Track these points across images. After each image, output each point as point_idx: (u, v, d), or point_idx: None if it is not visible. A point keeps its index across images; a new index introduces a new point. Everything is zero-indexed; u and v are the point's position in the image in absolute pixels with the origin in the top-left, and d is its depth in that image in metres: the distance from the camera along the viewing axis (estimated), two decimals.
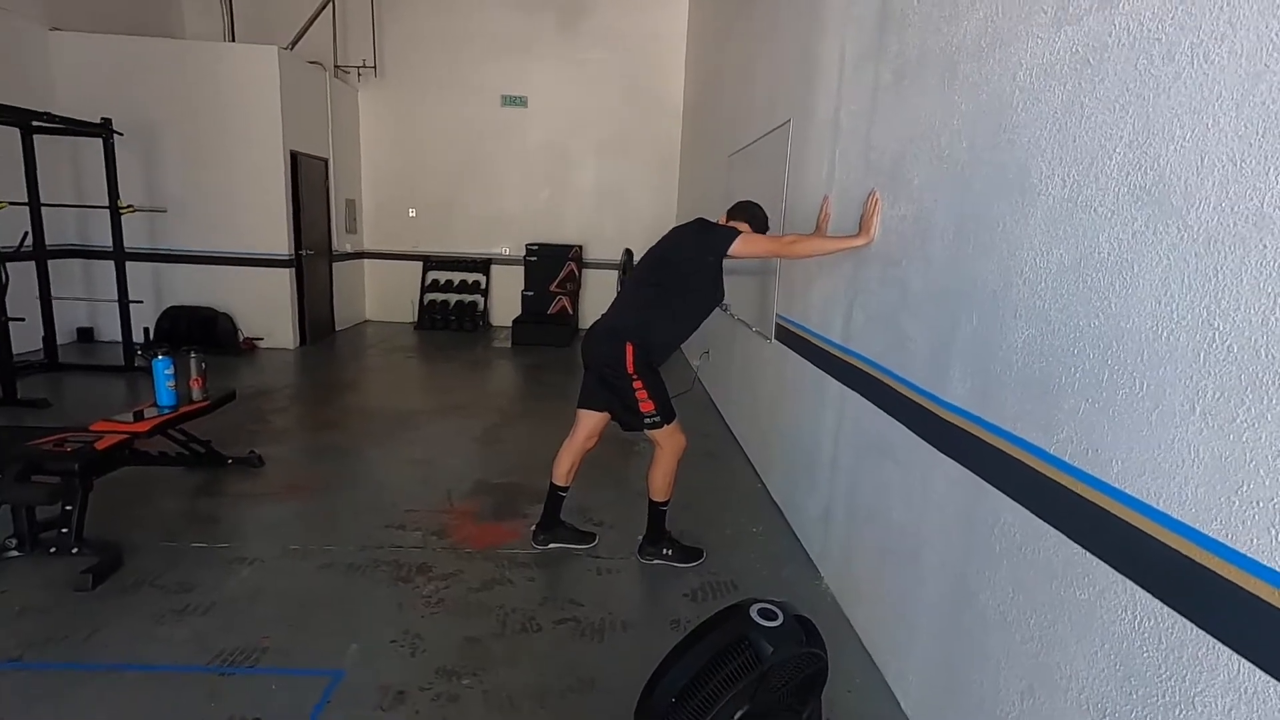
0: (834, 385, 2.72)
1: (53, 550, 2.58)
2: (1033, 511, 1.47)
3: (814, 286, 3.03)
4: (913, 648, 2.01)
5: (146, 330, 6.27)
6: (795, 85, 3.44)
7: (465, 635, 2.31)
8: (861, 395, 2.44)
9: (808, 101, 3.21)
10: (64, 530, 2.58)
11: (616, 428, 2.84)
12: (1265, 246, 0.98)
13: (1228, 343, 1.03)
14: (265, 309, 6.73)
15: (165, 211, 6.30)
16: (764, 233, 2.76)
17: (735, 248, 2.51)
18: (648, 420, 2.62)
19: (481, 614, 2.44)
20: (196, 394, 3.35)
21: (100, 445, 2.69)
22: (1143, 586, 1.17)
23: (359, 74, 8.10)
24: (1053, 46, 1.47)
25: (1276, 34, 0.98)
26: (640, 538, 2.89)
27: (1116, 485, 1.23)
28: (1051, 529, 1.41)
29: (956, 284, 1.83)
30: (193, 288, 6.60)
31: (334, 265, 7.75)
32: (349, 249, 8.17)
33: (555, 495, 2.88)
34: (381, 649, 2.21)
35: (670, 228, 2.91)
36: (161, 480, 3.43)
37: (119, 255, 5.52)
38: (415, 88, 8.30)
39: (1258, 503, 0.98)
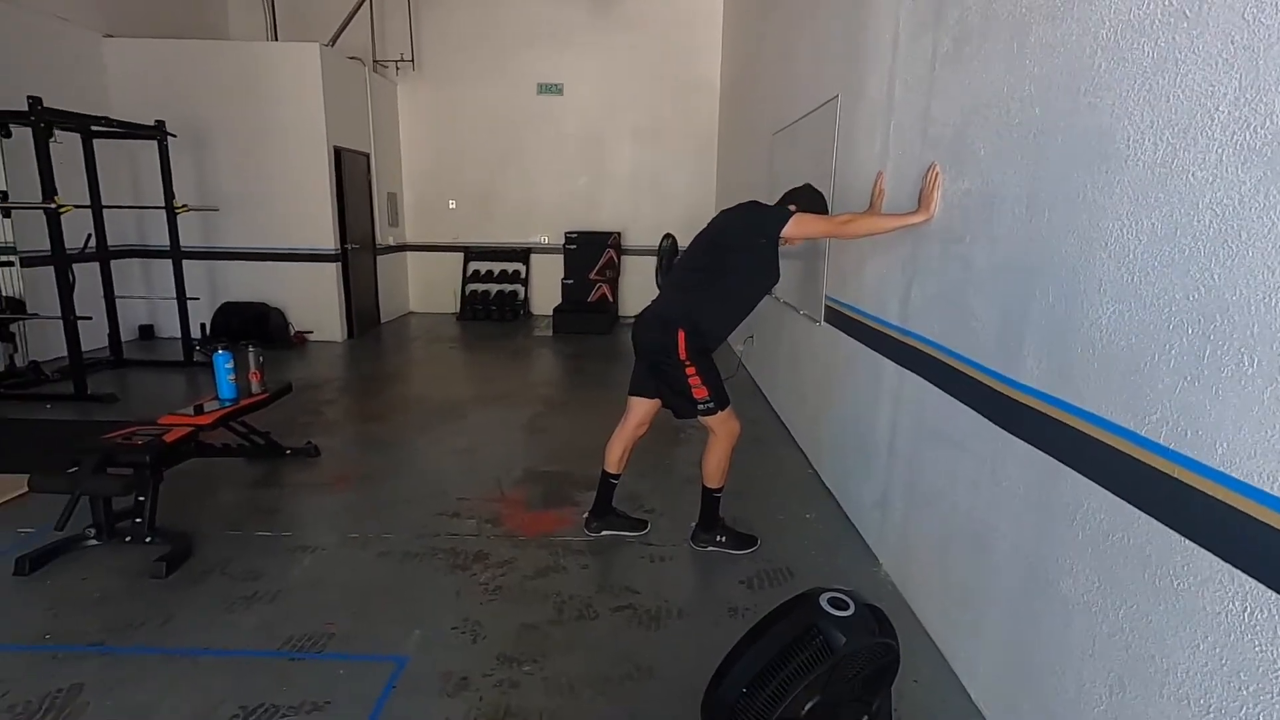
0: (890, 367, 2.64)
1: (128, 539, 2.68)
2: (1121, 497, 1.39)
3: (867, 267, 2.94)
4: (982, 637, 1.94)
5: (203, 326, 6.48)
6: (843, 59, 3.32)
7: (523, 622, 2.33)
8: (921, 377, 2.36)
9: (857, 75, 3.10)
10: (138, 520, 2.68)
11: (666, 415, 2.81)
12: None
13: None
14: (314, 303, 6.89)
15: (217, 210, 6.47)
16: (818, 213, 2.68)
17: (788, 230, 2.44)
18: (701, 406, 2.58)
19: (538, 601, 2.45)
20: (255, 387, 3.44)
21: (169, 438, 2.78)
22: (1253, 575, 1.10)
23: (397, 68, 8.17)
24: (1141, 0, 1.37)
25: None
26: (693, 525, 2.87)
27: (1221, 469, 1.16)
28: (1144, 515, 1.33)
29: (1029, 259, 1.74)
30: (245, 284, 6.79)
31: (378, 258, 7.88)
32: (391, 242, 8.29)
33: (607, 482, 2.87)
34: (443, 636, 2.24)
35: (718, 210, 2.85)
36: (224, 471, 3.54)
37: (176, 254, 5.70)
38: (452, 79, 8.34)
39: None
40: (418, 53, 8.22)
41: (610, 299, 8.40)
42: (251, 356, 3.44)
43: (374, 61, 7.93)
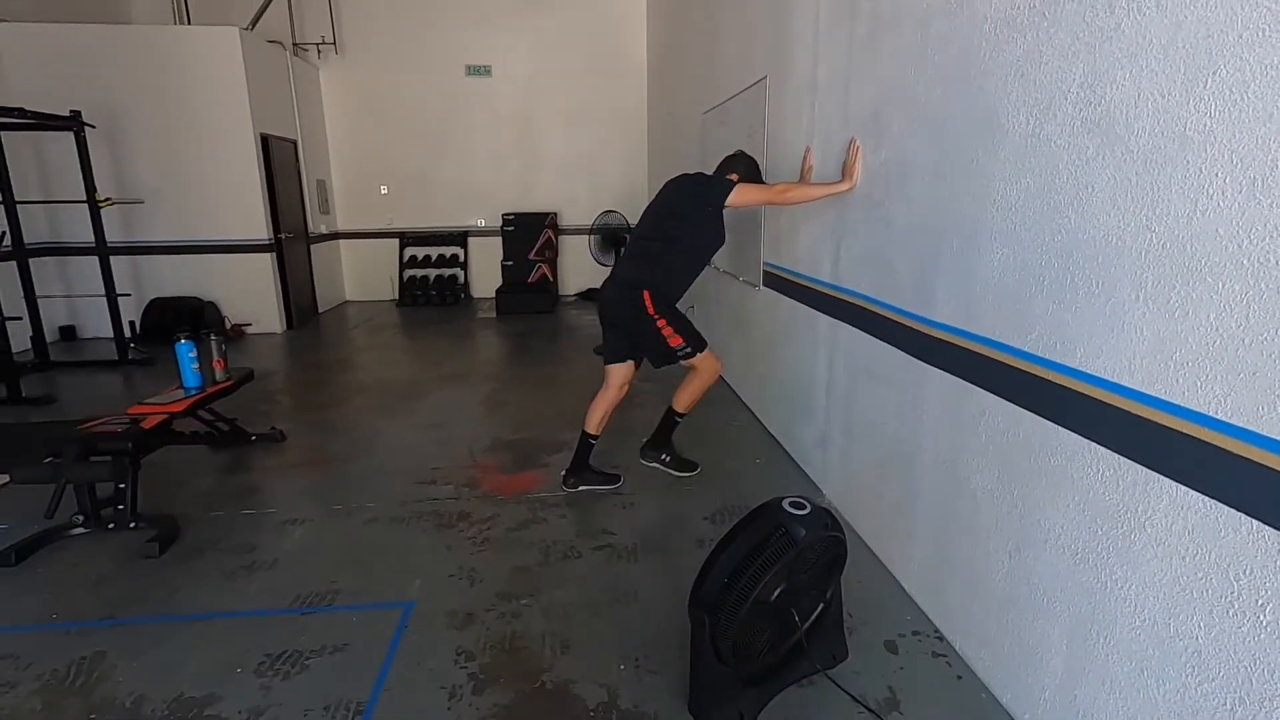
0: (825, 321, 2.99)
1: (111, 526, 2.75)
2: (1012, 401, 1.75)
3: (800, 232, 3.27)
4: (912, 538, 2.32)
5: (132, 324, 6.28)
6: (769, 43, 3.62)
7: (514, 566, 2.56)
8: (853, 326, 2.71)
9: (783, 58, 3.40)
10: (120, 507, 2.74)
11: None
12: (1188, 162, 1.25)
13: (1162, 241, 1.30)
14: (250, 295, 6.77)
15: (143, 202, 6.25)
16: (757, 182, 2.97)
17: (732, 198, 2.72)
18: (681, 352, 2.87)
19: (525, 548, 2.69)
20: (219, 375, 3.49)
21: (145, 424, 2.84)
22: (1102, 444, 1.46)
23: (319, 51, 7.99)
24: (1013, 2, 1.70)
25: None
26: (644, 441, 3.15)
27: (1080, 368, 1.51)
28: (1028, 413, 1.69)
29: (936, 217, 2.09)
30: (175, 278, 6.60)
31: (311, 247, 7.76)
32: (324, 230, 8.16)
33: (586, 443, 3.12)
34: (442, 582, 2.46)
35: (652, 186, 3.09)
36: (190, 460, 3.59)
37: (102, 249, 5.50)
38: (376, 62, 8.22)
39: (1186, 364, 1.26)
40: (339, 35, 8.05)
41: (550, 279, 8.55)
42: (214, 345, 3.48)
43: (294, 45, 7.73)
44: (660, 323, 2.81)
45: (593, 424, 3.09)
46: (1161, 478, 1.32)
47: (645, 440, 3.17)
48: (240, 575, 2.52)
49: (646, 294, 2.78)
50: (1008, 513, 1.79)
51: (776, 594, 1.79)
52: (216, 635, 2.18)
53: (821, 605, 1.96)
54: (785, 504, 1.79)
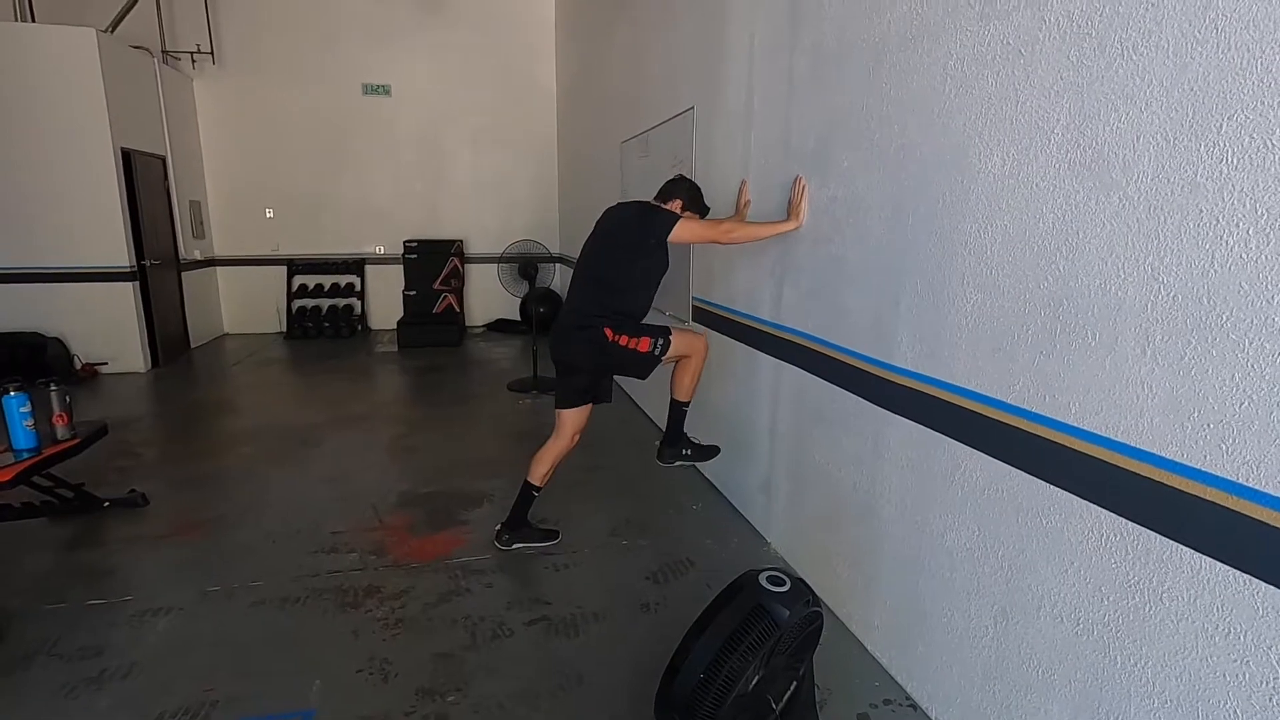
0: (767, 361, 2.86)
1: None
2: (994, 456, 1.65)
3: (736, 268, 3.15)
4: (875, 594, 2.18)
5: None
6: (698, 73, 3.52)
7: (436, 652, 2.21)
8: (800, 368, 2.58)
9: (714, 88, 3.30)
10: None
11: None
12: (1200, 210, 1.17)
13: (1172, 293, 1.22)
14: (106, 329, 5.92)
15: None
16: (700, 210, 2.82)
17: (675, 234, 2.55)
18: (657, 352, 2.64)
19: (447, 628, 2.34)
20: (62, 432, 2.91)
21: None
22: (1107, 508, 1.36)
23: (193, 61, 7.25)
24: (982, 39, 1.63)
25: (1198, 30, 1.16)
26: (658, 443, 2.94)
27: (1076, 424, 1.42)
28: (1015, 470, 1.58)
29: (896, 257, 1.99)
30: (10, 311, 5.65)
31: (182, 275, 6.94)
32: (198, 256, 7.35)
33: (528, 495, 2.85)
34: (349, 680, 2.07)
35: (598, 211, 2.87)
36: (19, 538, 2.95)
37: None
38: (260, 76, 7.56)
39: (1208, 424, 1.17)
40: (218, 44, 7.35)
41: (457, 309, 8.10)
42: (55, 396, 2.89)
43: (164, 52, 6.97)
44: (624, 340, 2.60)
45: (538, 474, 2.81)
46: (1181, 547, 1.22)
47: (659, 442, 2.94)
48: (84, 689, 2.02)
49: (608, 330, 2.57)
50: (991, 574, 1.68)
51: (754, 683, 1.58)
52: None
53: (794, 684, 1.77)
54: (763, 580, 1.59)
